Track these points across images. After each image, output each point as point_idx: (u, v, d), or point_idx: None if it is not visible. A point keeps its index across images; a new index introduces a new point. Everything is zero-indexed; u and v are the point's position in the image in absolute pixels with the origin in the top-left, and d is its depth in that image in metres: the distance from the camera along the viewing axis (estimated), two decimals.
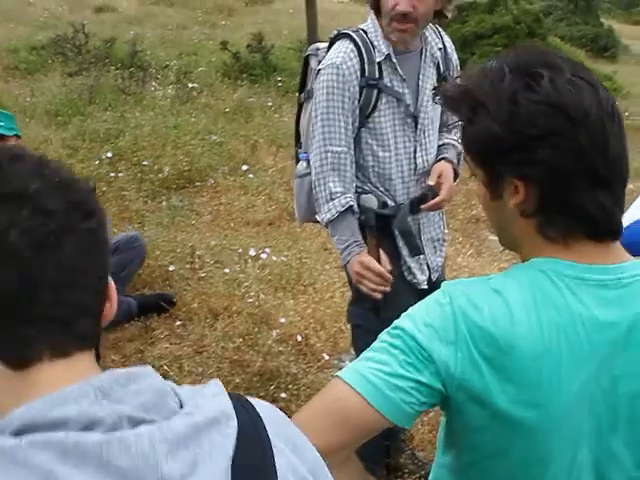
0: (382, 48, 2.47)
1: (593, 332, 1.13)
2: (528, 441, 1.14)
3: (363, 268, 2.42)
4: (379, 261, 2.43)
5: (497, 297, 1.14)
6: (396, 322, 1.20)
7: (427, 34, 2.54)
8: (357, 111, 2.47)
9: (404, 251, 2.59)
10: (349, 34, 2.49)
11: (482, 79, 1.14)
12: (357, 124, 2.49)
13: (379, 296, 2.42)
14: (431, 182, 2.53)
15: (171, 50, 10.71)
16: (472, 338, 1.11)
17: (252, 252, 4.82)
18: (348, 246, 2.48)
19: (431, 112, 2.57)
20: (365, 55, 2.45)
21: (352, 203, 2.49)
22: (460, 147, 2.59)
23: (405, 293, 2.51)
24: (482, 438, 1.18)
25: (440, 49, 2.58)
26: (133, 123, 6.75)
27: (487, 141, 1.14)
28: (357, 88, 2.45)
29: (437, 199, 2.51)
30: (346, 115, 2.46)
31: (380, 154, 2.52)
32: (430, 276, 2.68)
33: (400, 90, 2.50)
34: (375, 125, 2.51)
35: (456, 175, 2.62)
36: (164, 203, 5.58)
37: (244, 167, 6.18)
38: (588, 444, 1.17)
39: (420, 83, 2.53)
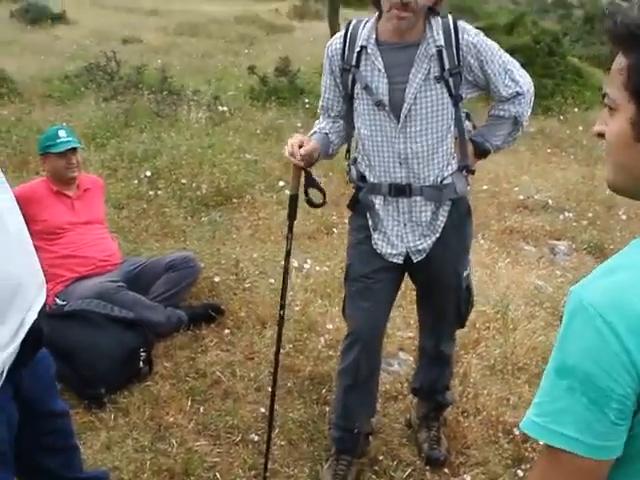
0: (361, 40, 2.69)
1: None
2: None
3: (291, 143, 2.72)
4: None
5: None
6: (559, 362, 1.15)
7: (427, 30, 2.64)
8: (340, 87, 2.81)
9: (369, 222, 2.85)
10: (350, 22, 2.78)
11: None
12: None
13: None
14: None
15: (198, 76, 10.90)
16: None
17: (295, 263, 4.88)
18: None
19: (423, 103, 2.66)
20: (349, 42, 2.73)
21: (316, 131, 2.90)
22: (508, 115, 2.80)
23: (372, 258, 2.87)
24: None
25: (440, 46, 2.62)
26: (169, 144, 6.86)
27: None
28: (338, 69, 2.76)
29: None
30: (331, 87, 2.84)
31: (362, 131, 2.79)
32: (409, 256, 2.85)
33: (372, 80, 2.69)
34: (356, 106, 2.78)
35: (485, 152, 2.88)
36: (204, 219, 5.66)
37: (281, 183, 6.25)
38: None
39: (411, 76, 2.65)
